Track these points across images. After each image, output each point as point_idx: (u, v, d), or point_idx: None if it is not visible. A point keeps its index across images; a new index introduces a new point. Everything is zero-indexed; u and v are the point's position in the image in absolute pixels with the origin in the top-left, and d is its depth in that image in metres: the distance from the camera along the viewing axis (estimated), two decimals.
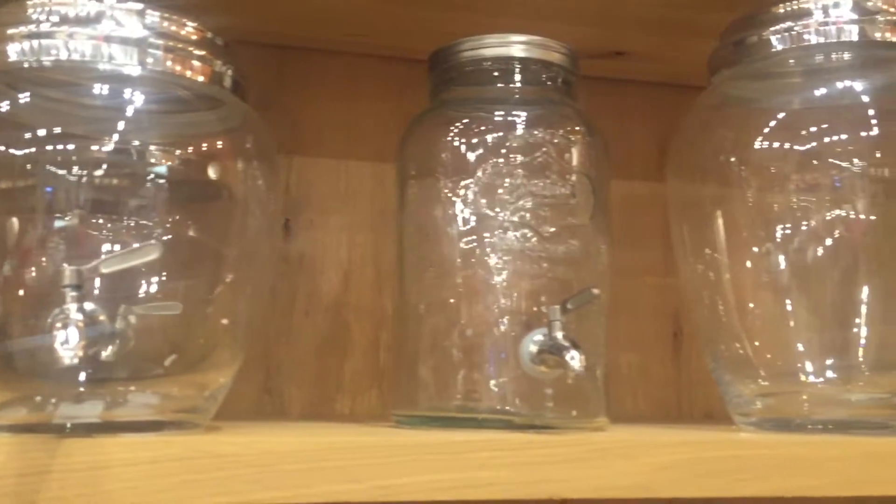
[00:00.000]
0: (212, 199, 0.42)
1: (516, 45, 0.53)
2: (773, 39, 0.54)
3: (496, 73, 0.53)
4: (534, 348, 0.46)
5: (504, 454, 0.41)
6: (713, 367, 0.57)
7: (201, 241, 0.42)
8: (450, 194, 0.51)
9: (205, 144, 0.42)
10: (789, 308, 0.55)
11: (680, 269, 0.59)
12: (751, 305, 0.56)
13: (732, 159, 0.55)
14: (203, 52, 0.43)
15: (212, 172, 0.41)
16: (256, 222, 0.44)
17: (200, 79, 0.43)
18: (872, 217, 0.52)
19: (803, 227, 0.53)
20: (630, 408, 0.77)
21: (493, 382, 0.49)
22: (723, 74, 0.58)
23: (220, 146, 0.43)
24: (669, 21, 0.66)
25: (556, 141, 0.51)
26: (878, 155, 0.52)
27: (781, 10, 0.54)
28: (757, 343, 0.56)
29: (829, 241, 0.53)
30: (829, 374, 0.54)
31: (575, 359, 0.44)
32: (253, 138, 0.44)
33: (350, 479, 0.38)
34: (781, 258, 0.54)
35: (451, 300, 0.50)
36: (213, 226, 0.43)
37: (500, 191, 0.49)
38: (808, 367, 0.54)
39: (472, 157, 0.50)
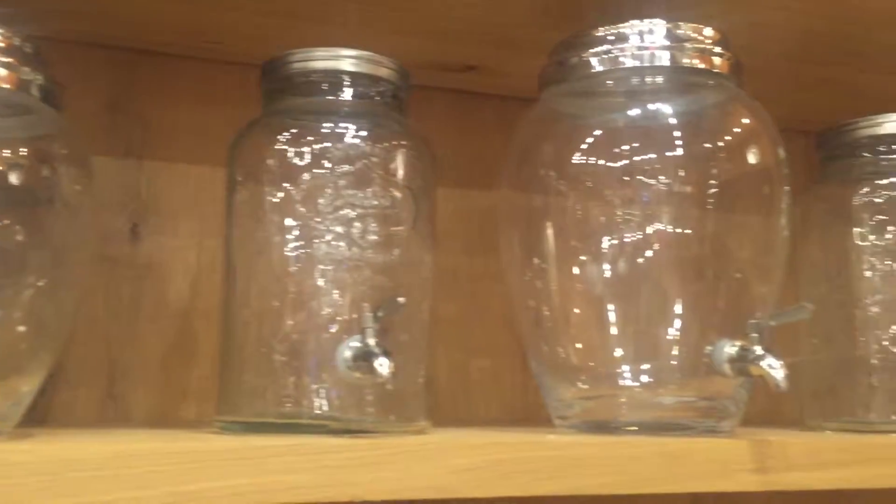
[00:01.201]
0: (16, 205, 0.42)
1: (346, 60, 0.54)
2: (594, 60, 0.57)
3: (325, 86, 0.54)
4: (348, 354, 0.48)
5: (305, 458, 0.42)
6: (536, 372, 0.59)
7: (5, 246, 0.42)
8: (275, 202, 0.52)
9: (7, 151, 0.42)
10: (607, 315, 0.57)
11: (508, 276, 0.61)
12: (572, 313, 0.59)
13: (553, 173, 0.57)
14: (10, 60, 0.42)
15: (14, 179, 0.41)
16: (66, 227, 0.44)
17: (6, 86, 0.42)
18: (679, 230, 0.55)
19: (617, 240, 0.56)
20: (482, 413, 0.79)
21: (312, 388, 0.50)
22: (549, 91, 0.60)
23: (23, 153, 0.43)
24: (513, 38, 0.69)
25: (380, 153, 0.52)
26: (682, 174, 0.55)
27: (601, 34, 0.57)
28: (578, 348, 0.59)
29: (641, 253, 0.56)
30: (644, 378, 0.57)
31: (383, 365, 0.46)
32: (62, 144, 0.44)
33: (142, 486, 0.38)
34: (599, 268, 0.57)
35: (274, 307, 0.51)
36: (18, 231, 0.42)
37: (322, 200, 0.51)
38: (625, 371, 0.57)
39: (296, 165, 0.51)
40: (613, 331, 0.57)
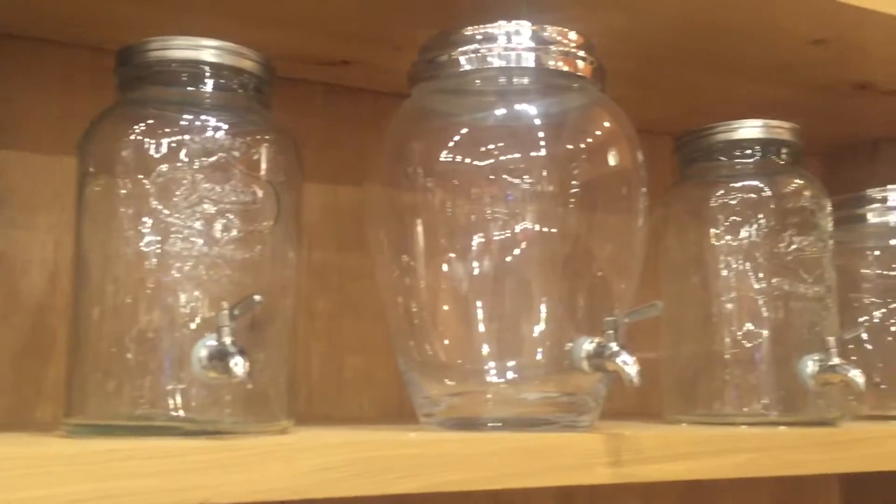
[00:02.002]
0: None
1: (207, 50, 0.52)
2: (462, 59, 0.58)
3: (184, 76, 0.52)
4: (203, 353, 0.46)
5: (153, 462, 0.41)
6: (404, 369, 0.59)
7: None
8: (129, 195, 0.50)
9: None
10: (474, 313, 0.58)
11: (377, 273, 0.61)
12: (440, 310, 0.59)
13: (421, 170, 0.57)
14: None
15: None
16: None
17: None
18: (543, 229, 0.56)
19: (483, 238, 0.56)
20: (355, 411, 0.78)
21: (167, 389, 0.48)
22: (419, 87, 0.60)
23: None
24: (386, 33, 0.68)
25: (241, 147, 0.51)
26: (545, 174, 0.56)
27: (470, 33, 0.58)
28: (445, 346, 0.59)
29: (506, 251, 0.57)
30: (510, 374, 0.58)
31: (238, 365, 0.45)
32: None
33: None
34: (465, 266, 0.57)
35: (127, 304, 0.49)
36: None
37: (179, 194, 0.49)
38: (491, 368, 0.58)
39: (151, 158, 0.50)
40: (480, 328, 0.58)
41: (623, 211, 0.59)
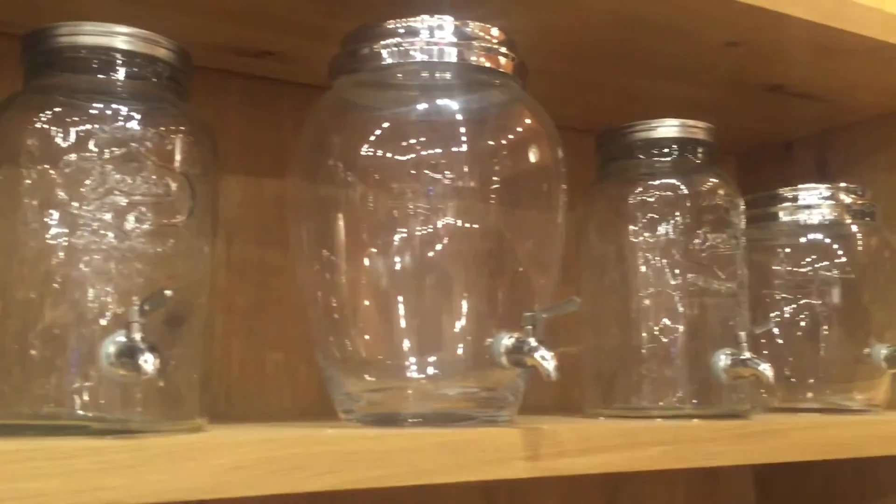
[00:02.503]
0: None
1: (119, 37, 0.51)
2: (384, 52, 0.57)
3: (95, 63, 0.51)
4: (112, 350, 0.45)
5: (55, 463, 0.39)
6: (323, 365, 0.59)
7: None
8: (33, 186, 0.48)
9: None
10: (394, 308, 0.58)
11: (296, 267, 0.60)
12: (360, 305, 0.59)
13: (341, 164, 0.57)
14: None
15: None
16: None
17: None
18: (463, 225, 0.56)
19: (404, 233, 0.56)
20: (277, 408, 0.77)
21: (73, 387, 0.47)
22: (341, 80, 0.60)
23: None
24: (309, 24, 0.67)
25: (154, 137, 0.50)
26: (466, 169, 0.56)
27: (392, 26, 0.57)
28: (365, 341, 0.59)
29: (427, 246, 0.57)
30: (430, 370, 0.58)
31: (148, 362, 0.43)
32: None
33: None
34: (386, 261, 0.57)
35: (31, 299, 0.47)
36: None
37: (88, 186, 0.47)
38: (412, 363, 0.57)
39: (59, 147, 0.48)
40: (400, 324, 0.57)
41: (543, 207, 0.59)
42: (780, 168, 1.04)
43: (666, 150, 0.71)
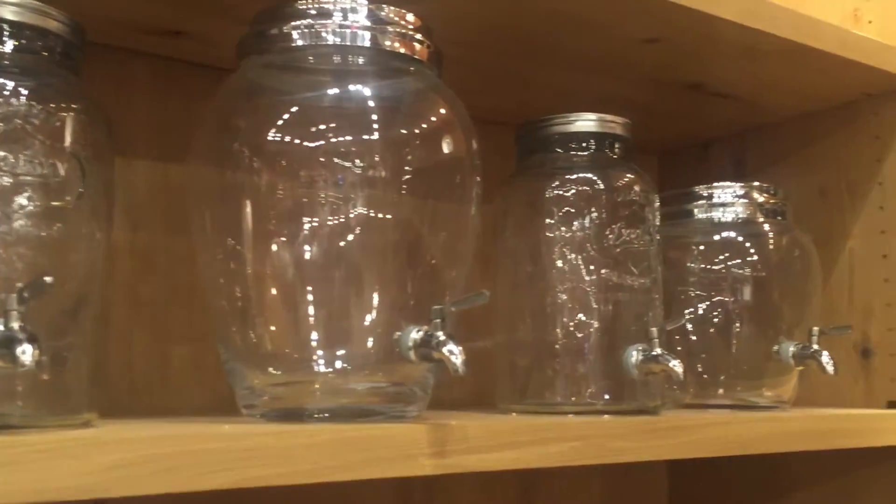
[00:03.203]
0: None
1: (6, 6, 0.48)
2: (295, 34, 0.55)
3: None
4: None
5: None
6: (225, 358, 0.56)
7: None
8: None
9: None
10: (302, 300, 0.56)
11: (199, 255, 0.58)
12: (266, 296, 0.57)
13: (247, 149, 0.54)
14: None
15: None
16: None
17: None
18: (374, 215, 0.55)
19: (312, 222, 0.54)
20: (183, 403, 0.74)
21: None
22: (249, 61, 0.57)
23: None
24: (218, 4, 0.65)
25: (41, 115, 0.46)
26: (377, 158, 0.54)
27: (303, 7, 0.55)
28: (271, 334, 0.57)
29: (336, 237, 0.55)
30: (338, 364, 0.56)
31: (26, 353, 0.41)
32: None
33: None
34: (293, 251, 0.55)
35: None
36: None
37: None
38: (319, 357, 0.56)
39: None
40: (308, 316, 0.56)
41: (456, 199, 0.58)
42: (698, 167, 1.06)
43: (583, 145, 0.70)
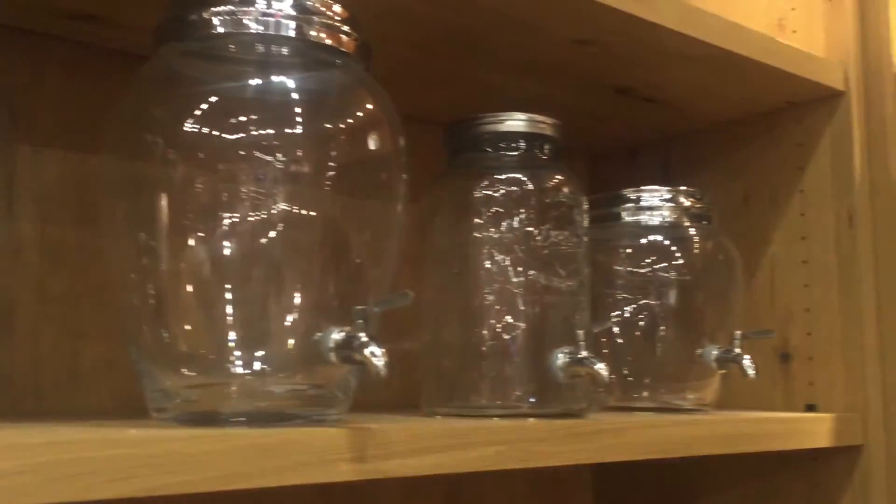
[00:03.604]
0: None
1: None
2: (215, 20, 0.53)
3: None
4: None
5: None
6: (136, 358, 0.54)
7: None
8: None
9: None
10: (219, 298, 0.53)
11: (109, 250, 0.55)
12: (180, 294, 0.54)
13: (161, 140, 0.52)
14: None
15: None
16: None
17: None
18: (295, 211, 0.53)
19: (230, 217, 0.52)
20: (93, 405, 0.71)
21: None
22: (166, 48, 0.55)
23: None
24: None
25: None
26: (300, 153, 0.52)
27: None
28: (185, 334, 0.54)
29: (255, 233, 0.53)
30: (257, 365, 0.54)
31: None
32: None
33: None
34: (211, 248, 0.53)
35: None
36: None
37: None
38: (236, 358, 0.53)
39: None
40: (224, 315, 0.53)
41: (382, 197, 0.57)
42: (628, 172, 1.06)
43: (513, 145, 0.70)
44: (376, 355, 0.49)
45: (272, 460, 0.46)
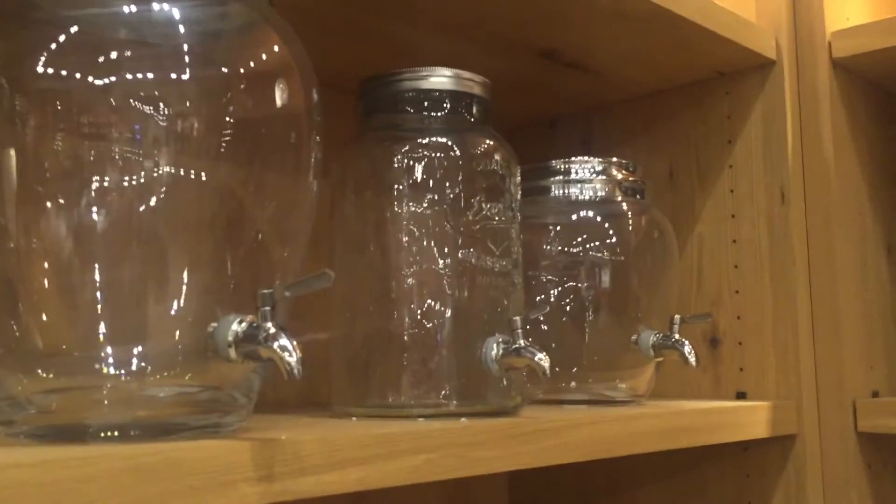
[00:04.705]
0: None
1: None
2: None
3: None
4: None
5: None
6: None
7: None
8: None
9: None
10: (84, 283, 0.43)
11: None
12: (34, 278, 0.43)
13: (6, 84, 0.41)
14: None
15: None
16: None
17: None
18: (180, 177, 0.43)
19: (99, 186, 0.42)
20: None
21: None
22: None
23: None
24: None
25: None
26: (187, 104, 0.42)
27: None
28: (42, 325, 0.43)
29: (131, 204, 0.43)
30: (135, 364, 0.44)
31: None
32: None
33: None
34: (74, 220, 0.42)
35: None
36: None
37: None
38: (108, 355, 0.43)
39: None
40: (94, 302, 0.43)
41: (290, 162, 0.47)
42: (544, 146, 1.00)
43: (437, 105, 0.61)
44: (288, 350, 0.40)
45: (153, 486, 0.37)
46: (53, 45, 0.41)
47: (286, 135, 0.47)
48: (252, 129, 0.45)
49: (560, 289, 0.75)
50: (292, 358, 0.40)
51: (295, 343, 0.40)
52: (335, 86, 0.74)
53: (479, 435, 0.51)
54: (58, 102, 0.41)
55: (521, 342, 0.56)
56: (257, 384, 0.46)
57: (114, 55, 0.42)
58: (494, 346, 0.56)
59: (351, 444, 0.44)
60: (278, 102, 0.47)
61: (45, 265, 0.43)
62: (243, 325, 0.41)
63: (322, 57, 0.73)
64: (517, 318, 0.56)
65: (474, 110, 0.62)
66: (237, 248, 0.47)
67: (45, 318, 0.44)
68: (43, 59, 0.41)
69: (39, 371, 0.43)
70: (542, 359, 0.55)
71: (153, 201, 0.43)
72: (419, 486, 0.87)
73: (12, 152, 0.42)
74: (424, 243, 0.58)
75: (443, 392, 0.57)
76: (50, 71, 0.41)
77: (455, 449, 0.49)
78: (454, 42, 0.75)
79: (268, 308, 0.41)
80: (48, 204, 0.42)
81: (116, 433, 0.42)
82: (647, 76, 0.87)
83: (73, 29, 0.42)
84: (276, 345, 0.40)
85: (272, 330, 0.41)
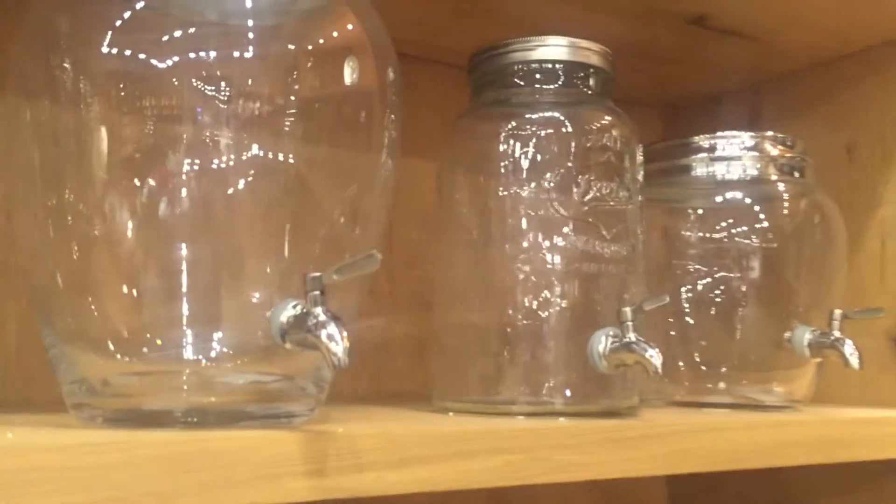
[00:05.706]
0: None
1: None
2: None
3: None
4: None
5: None
6: (50, 342, 0.44)
7: None
8: None
9: None
10: (159, 267, 0.43)
11: (16, 213, 0.45)
12: (107, 263, 0.44)
13: (70, 67, 0.41)
14: None
15: None
16: None
17: None
18: (243, 158, 0.42)
19: (165, 169, 0.41)
20: (13, 395, 0.62)
21: None
22: None
23: None
24: None
25: None
26: (251, 83, 0.41)
27: None
28: (116, 309, 0.44)
29: (197, 188, 0.42)
30: (214, 350, 0.43)
31: None
32: None
33: None
34: (156, 204, 0.42)
35: None
36: None
37: None
38: (183, 341, 0.43)
39: None
40: (168, 288, 0.43)
41: (361, 142, 0.45)
42: (709, 125, 0.91)
43: (549, 76, 0.56)
44: (335, 340, 0.37)
45: (188, 476, 0.35)
46: (119, 23, 0.41)
47: (356, 113, 0.45)
48: (319, 107, 0.43)
49: (707, 280, 0.68)
50: (338, 348, 0.37)
51: (344, 332, 0.38)
52: (444, 62, 0.71)
53: (571, 437, 0.46)
54: (121, 85, 0.41)
55: (632, 336, 0.50)
56: (328, 375, 0.44)
57: (176, 34, 0.41)
58: (602, 339, 0.51)
59: (416, 442, 0.41)
60: (347, 80, 0.44)
61: (114, 250, 0.43)
62: (296, 310, 0.39)
63: (430, 31, 0.70)
64: (627, 309, 0.51)
65: (591, 82, 0.57)
66: (314, 229, 0.45)
67: (125, 301, 0.44)
68: (106, 41, 0.41)
69: (118, 354, 0.43)
70: (654, 355, 0.49)
71: (233, 184, 0.42)
72: (573, 490, 0.83)
73: (69, 140, 0.42)
74: (527, 226, 0.54)
75: (545, 389, 0.52)
76: (114, 52, 0.41)
77: (541, 451, 0.44)
78: (587, 12, 0.69)
79: (317, 293, 0.39)
80: (134, 186, 0.42)
81: (194, 419, 0.41)
82: (821, 40, 0.77)
83: (140, 5, 0.41)
84: (323, 333, 0.38)
85: (322, 317, 0.38)
